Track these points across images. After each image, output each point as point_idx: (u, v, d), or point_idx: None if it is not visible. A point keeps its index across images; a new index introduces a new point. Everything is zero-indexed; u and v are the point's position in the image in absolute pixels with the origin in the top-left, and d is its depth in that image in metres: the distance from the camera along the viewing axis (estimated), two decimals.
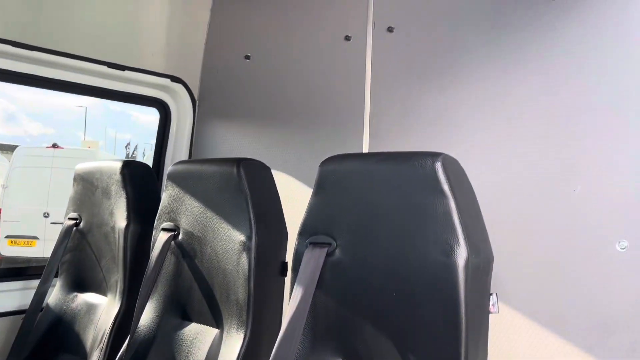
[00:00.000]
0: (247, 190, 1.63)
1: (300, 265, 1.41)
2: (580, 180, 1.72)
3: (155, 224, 1.86)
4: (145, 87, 2.64)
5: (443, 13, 2.04)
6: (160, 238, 1.81)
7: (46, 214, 8.50)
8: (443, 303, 1.19)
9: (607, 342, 1.64)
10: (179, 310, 1.78)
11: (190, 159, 2.72)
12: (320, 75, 2.35)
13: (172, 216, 1.82)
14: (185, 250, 1.77)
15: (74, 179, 2.28)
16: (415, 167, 1.26)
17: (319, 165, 1.44)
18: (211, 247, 1.69)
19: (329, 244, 1.38)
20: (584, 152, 1.72)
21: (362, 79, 2.22)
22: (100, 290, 2.12)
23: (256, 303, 1.60)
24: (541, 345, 1.74)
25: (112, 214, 2.09)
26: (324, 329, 1.38)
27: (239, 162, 1.66)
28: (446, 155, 1.26)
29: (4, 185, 8.74)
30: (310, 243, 1.41)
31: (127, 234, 2.02)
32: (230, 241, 1.64)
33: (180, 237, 1.79)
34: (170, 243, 1.80)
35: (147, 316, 1.81)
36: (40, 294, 2.17)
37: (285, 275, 1.68)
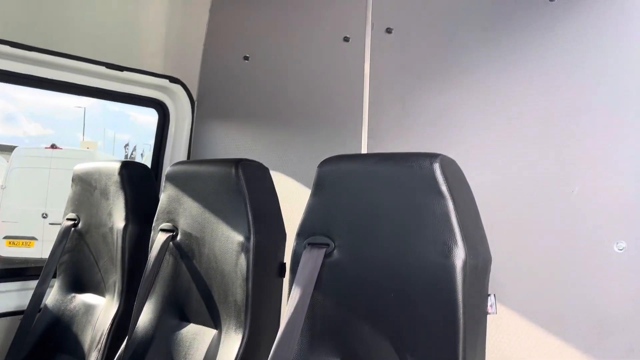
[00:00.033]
0: (246, 191, 1.63)
1: (298, 266, 1.41)
2: (578, 181, 1.72)
3: (153, 224, 1.86)
4: (143, 87, 2.64)
5: (442, 14, 2.05)
6: (158, 239, 1.81)
7: (44, 215, 8.49)
8: (441, 304, 1.19)
9: (605, 343, 1.64)
10: (177, 311, 1.78)
11: (189, 160, 2.72)
12: (319, 76, 2.35)
13: (170, 217, 1.82)
14: (184, 251, 1.77)
15: (73, 179, 2.28)
16: (413, 167, 1.26)
17: (318, 166, 1.44)
18: (209, 248, 1.69)
19: (327, 245, 1.38)
20: (582, 153, 1.72)
21: (361, 80, 2.22)
22: (99, 291, 2.12)
23: (254, 304, 1.60)
24: (539, 345, 1.74)
25: (110, 214, 2.09)
26: (322, 329, 1.38)
27: (237, 162, 1.66)
28: (444, 156, 1.26)
29: (2, 186, 8.73)
30: (309, 244, 1.41)
31: (126, 235, 2.02)
32: (228, 242, 1.64)
33: (178, 237, 1.79)
34: (168, 244, 1.80)
35: (146, 317, 1.81)
36: (39, 295, 2.17)
37: (284, 276, 1.68)
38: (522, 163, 1.82)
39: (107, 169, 2.13)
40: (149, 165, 2.69)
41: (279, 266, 1.69)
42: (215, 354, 1.61)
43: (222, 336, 1.64)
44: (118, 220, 2.05)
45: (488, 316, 1.29)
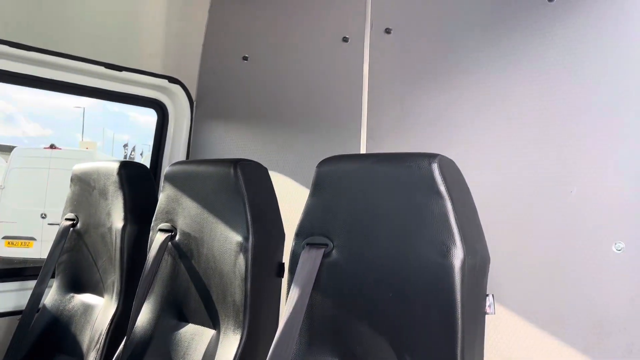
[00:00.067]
0: (244, 191, 1.63)
1: (297, 266, 1.41)
2: (578, 181, 1.72)
3: (152, 224, 1.86)
4: (142, 87, 2.64)
5: (441, 14, 2.05)
6: (157, 239, 1.81)
7: (43, 215, 8.49)
8: (439, 303, 1.19)
9: (603, 343, 1.64)
10: (175, 311, 1.78)
11: (188, 160, 2.72)
12: (318, 77, 2.35)
13: (169, 217, 1.82)
14: (182, 251, 1.77)
15: (71, 179, 2.28)
16: (411, 168, 1.26)
17: (316, 166, 1.44)
18: (208, 248, 1.69)
19: (326, 245, 1.38)
20: (582, 153, 1.72)
21: (360, 80, 2.22)
22: (97, 291, 2.12)
23: (253, 304, 1.60)
24: (538, 346, 1.74)
25: (109, 214, 2.09)
26: (321, 329, 1.38)
27: (236, 162, 1.66)
28: (443, 156, 1.26)
29: (1, 186, 8.73)
30: (307, 244, 1.41)
31: (124, 235, 2.02)
32: (227, 242, 1.64)
33: (177, 237, 1.79)
34: (167, 244, 1.80)
35: (144, 317, 1.81)
36: (37, 295, 2.16)
37: (282, 276, 1.68)
38: (522, 163, 1.82)
39: (106, 169, 2.13)
40: (148, 166, 2.69)
41: (277, 266, 1.69)
42: (213, 354, 1.61)
43: (221, 336, 1.63)
44: (117, 220, 2.05)
45: (486, 316, 1.29)
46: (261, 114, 2.52)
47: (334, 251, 1.37)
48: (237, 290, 1.60)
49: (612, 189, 1.66)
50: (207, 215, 1.71)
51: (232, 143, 2.61)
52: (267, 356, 1.35)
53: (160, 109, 2.75)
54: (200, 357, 1.64)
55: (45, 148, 8.97)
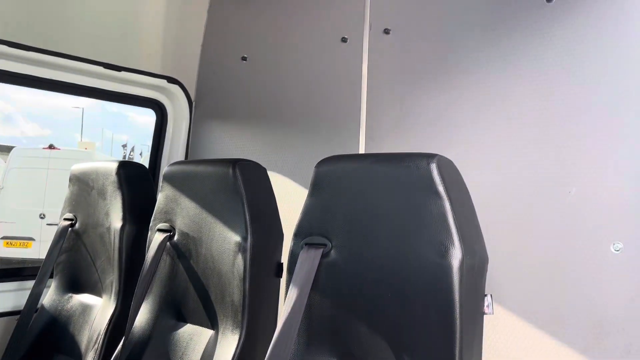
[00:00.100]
0: (243, 191, 1.63)
1: (295, 266, 1.41)
2: (577, 181, 1.72)
3: (150, 224, 1.86)
4: (141, 88, 2.64)
5: (440, 15, 2.05)
6: (155, 239, 1.81)
7: (42, 215, 8.48)
8: (438, 303, 1.19)
9: (602, 343, 1.64)
10: (174, 311, 1.78)
11: (186, 160, 2.72)
12: (317, 77, 2.35)
13: (167, 217, 1.82)
14: (181, 251, 1.77)
15: (70, 179, 2.28)
16: (410, 168, 1.26)
17: (315, 166, 1.44)
18: (206, 248, 1.69)
19: (324, 245, 1.38)
20: (580, 154, 1.73)
21: (359, 81, 2.22)
22: (96, 291, 2.12)
23: (251, 304, 1.60)
24: (536, 346, 1.74)
25: (107, 214, 2.09)
26: (319, 330, 1.38)
27: (234, 162, 1.66)
28: (441, 156, 1.26)
29: (0, 186, 8.72)
30: (306, 244, 1.41)
31: (123, 235, 2.01)
32: (225, 242, 1.64)
33: (175, 237, 1.79)
34: (165, 244, 1.80)
35: (142, 317, 1.81)
36: (35, 295, 2.16)
37: (281, 277, 1.68)
38: (521, 163, 1.82)
39: (105, 168, 2.13)
40: (147, 166, 2.69)
41: (276, 266, 1.68)
42: (212, 355, 1.61)
43: (219, 336, 1.63)
44: (115, 220, 2.05)
45: (485, 316, 1.29)
46: (260, 114, 2.52)
47: (332, 251, 1.37)
48: (235, 290, 1.60)
49: (611, 190, 1.66)
50: (205, 215, 1.71)
51: (231, 143, 2.61)
52: (265, 356, 1.35)
53: (159, 109, 2.75)
54: (199, 358, 1.64)
55: (44, 148, 8.97)
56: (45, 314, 2.16)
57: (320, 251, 1.38)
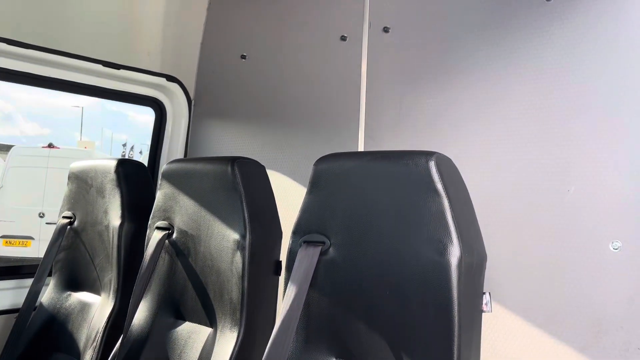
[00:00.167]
0: (242, 189, 1.63)
1: (294, 264, 1.41)
2: (575, 180, 1.72)
3: (149, 222, 1.86)
4: (140, 86, 2.63)
5: (439, 13, 2.05)
6: (154, 237, 1.81)
7: (41, 214, 8.48)
8: (436, 301, 1.19)
9: (600, 342, 1.64)
10: (172, 309, 1.78)
11: (185, 158, 2.72)
12: (316, 75, 2.35)
13: (166, 215, 1.82)
14: (179, 249, 1.76)
15: (69, 177, 2.28)
16: (409, 165, 1.26)
17: (314, 164, 1.44)
18: (205, 246, 1.69)
19: (323, 243, 1.38)
20: (579, 153, 1.73)
21: (358, 79, 2.22)
22: (94, 289, 2.12)
23: (250, 302, 1.59)
24: (535, 344, 1.74)
25: (106, 212, 2.09)
26: (317, 327, 1.38)
27: (233, 160, 1.66)
28: (440, 154, 1.26)
29: None
30: (304, 242, 1.41)
31: (121, 233, 2.01)
32: (224, 240, 1.64)
33: (174, 235, 1.79)
34: (164, 242, 1.79)
35: (141, 315, 1.81)
36: (34, 293, 2.16)
37: (280, 275, 1.68)
38: (521, 162, 1.82)
39: (103, 166, 2.13)
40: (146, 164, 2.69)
41: (274, 264, 1.68)
42: (210, 352, 1.61)
43: (218, 334, 1.63)
44: (114, 218, 2.05)
45: (483, 314, 1.29)
46: (259, 112, 2.52)
47: (331, 249, 1.37)
48: (234, 288, 1.60)
49: (610, 188, 1.66)
50: (204, 213, 1.71)
51: (230, 141, 2.61)
52: (263, 354, 1.34)
53: (158, 107, 2.74)
54: (197, 355, 1.64)
55: (43, 147, 8.96)
56: (44, 312, 2.16)
57: (318, 249, 1.38)
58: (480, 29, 1.94)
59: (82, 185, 2.21)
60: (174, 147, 2.74)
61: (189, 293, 1.73)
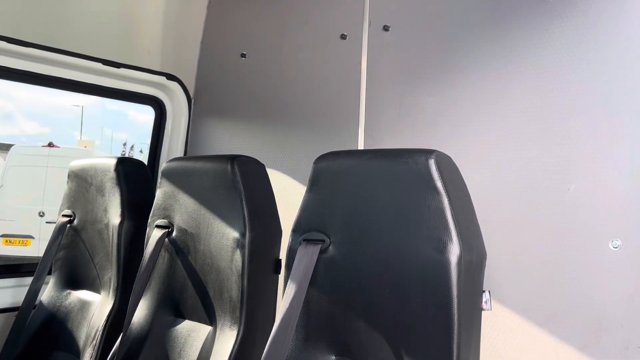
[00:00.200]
0: (241, 187, 1.63)
1: (293, 262, 1.41)
2: (574, 179, 1.72)
3: (149, 221, 1.86)
4: (140, 84, 2.63)
5: (439, 12, 2.05)
6: (154, 235, 1.81)
7: (41, 213, 8.48)
8: (436, 299, 1.19)
9: (600, 340, 1.64)
10: (172, 308, 1.78)
11: (185, 156, 2.72)
12: (316, 74, 2.35)
13: (166, 213, 1.82)
14: (179, 247, 1.76)
15: (68, 175, 2.28)
16: (408, 163, 1.26)
17: (313, 162, 1.44)
18: (205, 244, 1.69)
19: (323, 241, 1.38)
20: (579, 152, 1.73)
21: (358, 78, 2.22)
22: (94, 287, 2.12)
23: (249, 300, 1.59)
24: (535, 343, 1.74)
25: (106, 210, 2.09)
26: (317, 325, 1.38)
27: (233, 159, 1.66)
28: (439, 152, 1.26)
29: None
30: (304, 240, 1.41)
31: (121, 231, 2.01)
32: (224, 238, 1.64)
33: (174, 234, 1.79)
34: (164, 240, 1.79)
35: (141, 313, 1.81)
36: (34, 291, 2.16)
37: (279, 273, 1.68)
38: (521, 161, 1.82)
39: (103, 165, 2.13)
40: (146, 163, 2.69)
41: (274, 262, 1.68)
42: (210, 351, 1.61)
43: (217, 332, 1.63)
44: (114, 216, 2.05)
45: (483, 313, 1.29)
46: (259, 111, 2.51)
47: (330, 247, 1.37)
48: (233, 286, 1.60)
49: (610, 187, 1.66)
50: (204, 212, 1.70)
51: (229, 140, 2.61)
52: (263, 352, 1.35)
53: (158, 105, 2.74)
54: (197, 354, 1.64)
55: (43, 146, 8.96)
56: (44, 310, 2.16)
57: (318, 247, 1.38)
58: (481, 27, 1.94)
59: (81, 184, 2.21)
60: (173, 146, 2.74)
61: (188, 291, 1.73)
